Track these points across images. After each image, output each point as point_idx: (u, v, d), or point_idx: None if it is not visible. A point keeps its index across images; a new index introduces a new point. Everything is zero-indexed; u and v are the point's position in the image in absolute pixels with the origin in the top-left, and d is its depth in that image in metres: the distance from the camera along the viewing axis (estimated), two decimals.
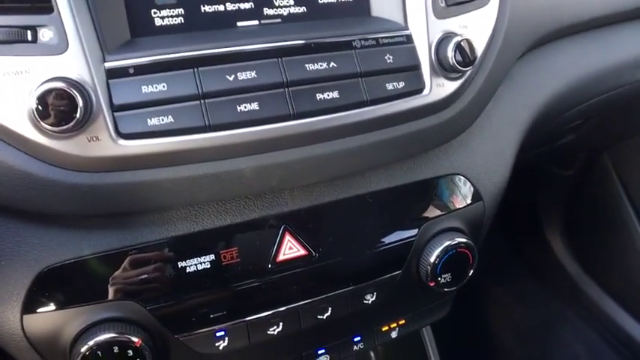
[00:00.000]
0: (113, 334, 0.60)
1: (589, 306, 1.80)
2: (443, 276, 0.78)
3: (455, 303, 1.00)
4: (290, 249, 0.70)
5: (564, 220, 1.89)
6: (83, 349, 0.59)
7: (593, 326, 1.80)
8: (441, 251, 0.75)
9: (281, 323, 0.72)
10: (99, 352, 0.59)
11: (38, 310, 0.60)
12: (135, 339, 0.61)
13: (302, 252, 0.71)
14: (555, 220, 1.92)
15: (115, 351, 0.60)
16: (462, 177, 0.82)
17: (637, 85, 1.07)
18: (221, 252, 0.66)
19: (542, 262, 2.00)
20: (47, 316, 0.60)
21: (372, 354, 1.17)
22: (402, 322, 0.86)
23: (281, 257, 0.70)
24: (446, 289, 0.79)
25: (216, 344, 0.69)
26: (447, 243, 0.75)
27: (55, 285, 0.60)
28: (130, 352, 0.60)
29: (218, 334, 0.69)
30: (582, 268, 1.85)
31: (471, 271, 0.80)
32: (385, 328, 0.84)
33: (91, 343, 0.59)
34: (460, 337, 1.56)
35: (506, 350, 1.79)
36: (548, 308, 1.94)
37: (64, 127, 0.52)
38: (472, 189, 0.84)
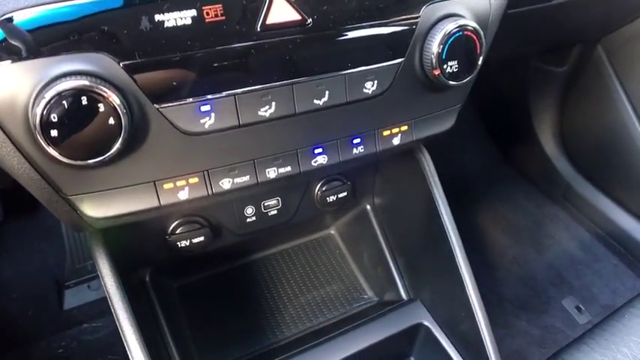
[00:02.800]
0: (81, 82, 0.54)
1: (581, 205, 1.82)
2: (449, 63, 0.73)
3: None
4: (281, 12, 0.64)
5: (557, 120, 1.88)
6: (47, 96, 0.53)
7: (585, 224, 1.84)
8: (446, 34, 0.70)
9: (274, 103, 0.67)
10: (64, 103, 0.54)
11: None
12: (106, 90, 0.55)
13: (295, 16, 0.64)
14: (547, 121, 1.89)
15: (84, 102, 0.55)
16: None
17: None
18: (204, 7, 0.59)
19: (534, 165, 2.01)
20: (3, 71, 0.54)
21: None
22: (404, 127, 0.81)
23: (271, 20, 0.63)
24: (452, 82, 0.75)
25: (202, 121, 0.64)
26: (452, 25, 0.71)
27: (12, 34, 0.53)
28: (102, 107, 0.55)
29: (203, 109, 0.63)
30: (575, 168, 1.85)
31: (479, 63, 0.76)
32: (386, 133, 0.80)
33: (54, 91, 0.53)
34: None
35: (500, 248, 1.81)
36: (540, 210, 1.96)
37: None
38: None
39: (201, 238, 0.95)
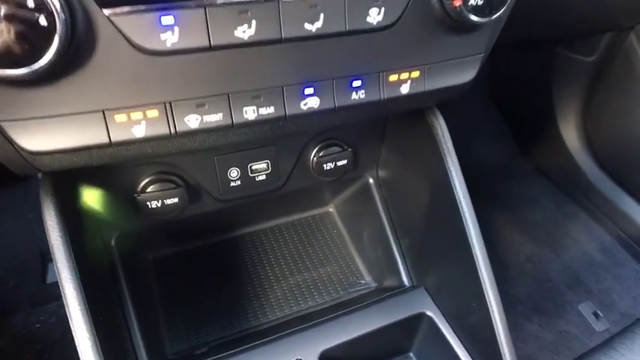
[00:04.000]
0: None
1: (604, 205, 1.74)
2: None
3: None
4: None
5: (581, 112, 1.78)
6: None
7: (606, 226, 1.77)
8: None
9: (254, 22, 0.56)
10: None
11: None
12: None
13: None
14: (571, 113, 1.81)
15: None
16: None
17: None
18: None
19: (554, 160, 1.93)
20: None
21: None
22: (415, 73, 0.70)
23: None
24: (475, 18, 0.63)
25: (162, 37, 0.54)
26: None
27: None
28: (31, 1, 0.45)
29: (165, 21, 0.53)
30: (598, 166, 1.77)
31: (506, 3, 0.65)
32: (393, 78, 0.68)
33: None
34: None
35: (514, 245, 1.73)
36: (559, 208, 1.89)
37: None
38: None
39: (176, 200, 0.84)
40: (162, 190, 0.84)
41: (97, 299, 0.71)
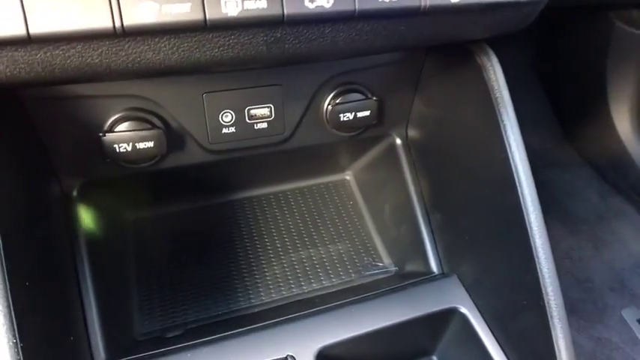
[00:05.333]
0: None
1: None
2: None
3: None
4: None
5: (637, 95, 1.66)
6: None
7: None
8: None
9: None
10: None
11: None
12: None
13: None
14: (625, 96, 1.68)
15: None
16: None
17: None
18: None
19: (602, 148, 1.80)
20: None
21: None
22: None
23: None
24: None
25: None
26: None
27: None
28: None
29: None
30: None
31: None
32: None
33: None
34: None
35: (553, 238, 1.56)
36: (603, 201, 1.76)
37: None
38: None
39: (150, 144, 0.70)
40: (133, 130, 0.69)
41: (29, 261, 0.56)
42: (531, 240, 0.64)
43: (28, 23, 0.42)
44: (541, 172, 1.85)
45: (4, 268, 0.50)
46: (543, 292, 0.63)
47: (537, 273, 0.64)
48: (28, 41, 0.43)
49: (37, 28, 0.43)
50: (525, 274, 0.66)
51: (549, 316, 0.64)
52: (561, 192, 1.78)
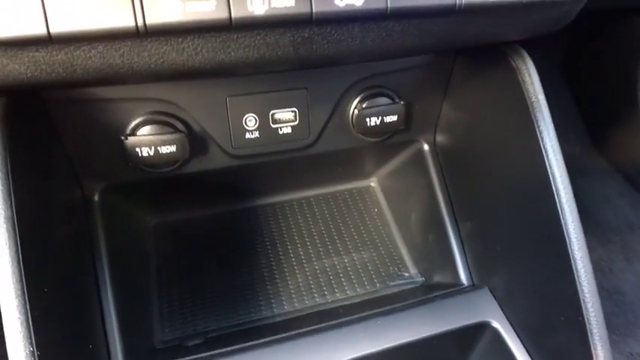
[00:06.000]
0: None
1: None
2: None
3: None
4: None
5: None
6: None
7: None
8: None
9: None
10: None
11: None
12: None
13: None
14: None
15: None
16: None
17: None
18: None
19: (633, 156, 1.76)
20: None
21: None
22: None
23: None
24: None
25: None
26: None
27: None
28: None
29: None
30: None
31: None
32: None
33: None
34: None
35: None
36: (635, 211, 1.70)
37: None
38: None
39: (172, 149, 0.69)
40: (156, 134, 0.68)
41: (49, 267, 0.55)
42: (570, 252, 0.61)
43: (49, 22, 0.41)
44: (571, 180, 1.84)
45: (22, 273, 0.49)
46: (583, 307, 0.59)
47: (576, 287, 0.60)
48: (49, 41, 0.42)
49: (58, 28, 0.42)
50: (563, 287, 0.62)
51: (589, 333, 0.60)
52: (591, 201, 1.71)
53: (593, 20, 1.63)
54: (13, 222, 0.50)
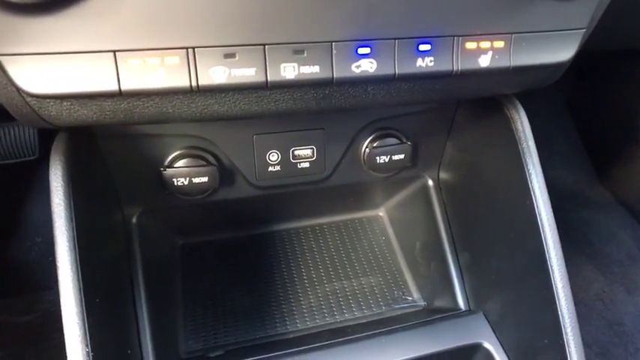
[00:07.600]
0: None
1: None
2: None
3: None
4: None
5: None
6: None
7: None
8: None
9: None
10: None
11: None
12: None
13: None
14: None
15: None
16: None
17: None
18: None
19: (635, 189, 1.78)
20: None
21: None
22: (498, 43, 0.59)
23: None
24: None
25: None
26: None
27: None
28: None
29: None
30: None
31: None
32: (471, 45, 0.58)
33: None
34: None
35: (583, 280, 1.58)
36: (636, 243, 1.71)
37: None
38: None
39: (205, 180, 0.77)
40: (191, 167, 0.76)
41: (99, 280, 0.63)
42: (553, 284, 0.68)
43: (120, 81, 0.49)
44: (574, 212, 1.81)
45: (80, 286, 0.57)
46: (563, 332, 0.66)
47: (558, 314, 0.67)
48: (119, 95, 0.51)
49: (128, 85, 0.50)
50: (547, 314, 0.68)
51: (569, 356, 0.66)
52: (594, 233, 1.73)
53: (597, 60, 1.67)
54: (74, 242, 0.58)
